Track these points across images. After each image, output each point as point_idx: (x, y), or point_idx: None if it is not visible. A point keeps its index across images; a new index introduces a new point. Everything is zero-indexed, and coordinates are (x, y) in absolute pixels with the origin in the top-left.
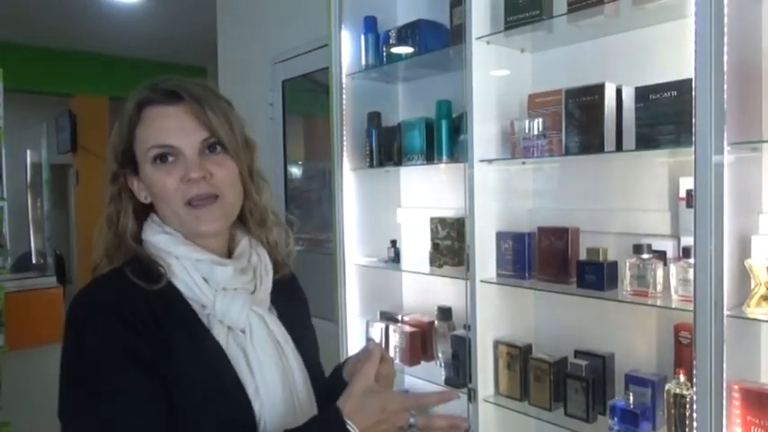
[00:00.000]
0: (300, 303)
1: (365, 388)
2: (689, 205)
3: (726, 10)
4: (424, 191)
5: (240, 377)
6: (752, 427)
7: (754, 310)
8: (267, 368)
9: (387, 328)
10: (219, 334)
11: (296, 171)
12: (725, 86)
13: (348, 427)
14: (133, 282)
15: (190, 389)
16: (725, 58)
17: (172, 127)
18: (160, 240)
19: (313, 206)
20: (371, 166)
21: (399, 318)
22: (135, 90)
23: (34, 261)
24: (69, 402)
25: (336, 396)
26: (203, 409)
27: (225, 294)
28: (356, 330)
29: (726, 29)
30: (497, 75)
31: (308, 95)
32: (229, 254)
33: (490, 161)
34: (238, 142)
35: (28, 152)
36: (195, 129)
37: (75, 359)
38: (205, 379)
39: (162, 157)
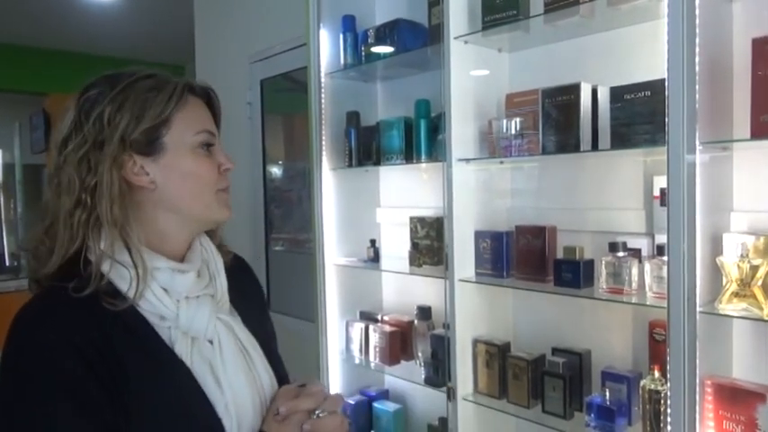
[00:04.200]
0: (254, 291)
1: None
2: (663, 204)
3: (697, 11)
4: (404, 190)
5: (208, 395)
6: (724, 422)
7: (725, 307)
8: (237, 382)
9: (366, 328)
10: (182, 349)
11: (276, 171)
12: (697, 87)
13: None
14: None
15: (153, 414)
16: (696, 58)
17: (208, 118)
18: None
19: (294, 206)
20: (350, 165)
21: (379, 317)
22: (141, 75)
23: (7, 264)
24: None
25: None
26: None
27: (189, 304)
28: (336, 330)
29: (697, 30)
30: (476, 74)
31: (287, 95)
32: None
33: (468, 161)
34: None
35: (0, 152)
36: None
37: (8, 383)
38: (169, 402)
39: (209, 145)
